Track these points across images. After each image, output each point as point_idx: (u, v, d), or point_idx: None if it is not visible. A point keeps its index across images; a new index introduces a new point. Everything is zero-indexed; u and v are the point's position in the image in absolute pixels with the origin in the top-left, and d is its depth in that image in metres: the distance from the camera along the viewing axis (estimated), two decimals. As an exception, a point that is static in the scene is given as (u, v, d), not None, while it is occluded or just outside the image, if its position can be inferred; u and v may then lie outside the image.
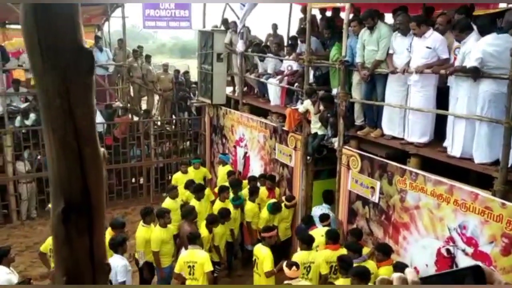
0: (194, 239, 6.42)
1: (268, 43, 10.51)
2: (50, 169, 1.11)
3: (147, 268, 7.08)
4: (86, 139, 1.09)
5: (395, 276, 0.81)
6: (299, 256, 6.25)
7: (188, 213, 7.10)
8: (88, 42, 12.46)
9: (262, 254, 6.38)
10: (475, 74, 5.19)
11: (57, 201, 1.11)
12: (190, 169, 9.72)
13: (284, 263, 5.79)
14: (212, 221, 7.23)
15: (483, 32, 5.38)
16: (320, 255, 6.31)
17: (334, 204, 7.55)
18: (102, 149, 1.16)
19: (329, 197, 7.72)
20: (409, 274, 0.80)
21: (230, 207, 7.90)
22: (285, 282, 5.68)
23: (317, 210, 7.68)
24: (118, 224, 6.79)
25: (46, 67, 1.05)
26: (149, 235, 6.90)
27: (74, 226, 1.11)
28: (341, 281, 5.51)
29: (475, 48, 5.26)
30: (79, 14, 1.06)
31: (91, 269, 1.17)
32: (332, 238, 6.41)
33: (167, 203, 8.05)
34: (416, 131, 6.19)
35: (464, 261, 5.39)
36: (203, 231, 7.20)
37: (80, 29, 1.07)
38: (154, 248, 6.83)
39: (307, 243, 6.36)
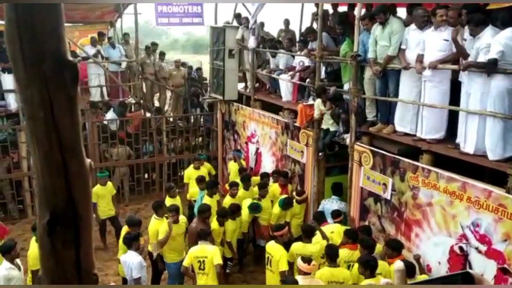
0: (204, 235, 6.44)
1: (280, 39, 10.46)
2: (36, 180, 1.11)
3: (161, 261, 7.14)
4: (71, 150, 1.09)
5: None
6: (294, 247, 6.37)
7: (203, 210, 7.10)
8: (99, 39, 12.55)
9: (277, 252, 6.28)
10: (494, 66, 5.08)
11: (42, 213, 1.11)
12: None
13: (299, 258, 5.75)
14: (222, 214, 7.24)
15: (505, 25, 5.27)
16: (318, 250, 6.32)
17: (343, 196, 7.57)
18: (88, 160, 1.16)
19: (338, 189, 7.74)
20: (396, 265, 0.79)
21: (244, 204, 7.90)
22: (298, 276, 5.66)
23: (327, 204, 7.67)
24: (135, 222, 6.83)
25: (29, 78, 1.05)
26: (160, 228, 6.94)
27: (59, 238, 1.11)
28: (366, 281, 5.44)
29: (496, 41, 5.15)
30: (63, 26, 1.05)
31: (77, 280, 1.17)
32: (352, 238, 6.30)
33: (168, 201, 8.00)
34: (431, 127, 6.11)
35: (477, 259, 5.33)
36: (214, 224, 7.23)
37: (64, 41, 1.07)
38: (160, 237, 6.84)
39: (306, 235, 6.44)
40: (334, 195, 7.75)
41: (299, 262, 5.60)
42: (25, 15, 1.02)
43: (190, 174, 9.44)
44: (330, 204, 7.59)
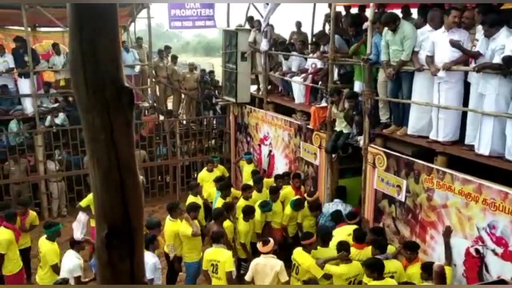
0: (218, 238, 6.48)
1: (292, 41, 10.50)
2: (94, 197, 1.17)
3: (178, 261, 7.21)
4: (127, 170, 1.16)
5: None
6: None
7: (219, 215, 7.16)
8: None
9: (306, 261, 6.09)
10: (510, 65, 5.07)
11: (100, 227, 1.18)
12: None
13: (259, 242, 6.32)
14: (228, 207, 7.45)
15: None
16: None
17: (348, 199, 7.65)
18: (141, 177, 1.22)
19: (341, 193, 7.79)
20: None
21: (257, 206, 7.95)
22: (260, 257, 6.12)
23: (332, 207, 7.65)
24: (154, 224, 6.83)
25: (91, 103, 1.12)
26: (177, 228, 7.02)
27: (116, 251, 1.18)
28: (373, 283, 5.45)
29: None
30: (120, 55, 1.12)
31: None
32: (359, 239, 6.36)
33: (190, 199, 8.19)
34: (446, 129, 6.08)
35: (493, 262, 5.31)
36: (225, 222, 7.31)
37: (121, 68, 1.13)
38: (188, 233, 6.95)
39: (323, 241, 6.42)
40: (337, 199, 7.76)
41: (259, 245, 6.20)
42: (88, 45, 1.08)
43: (203, 176, 9.50)
44: (335, 207, 7.56)
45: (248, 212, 7.50)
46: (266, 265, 6.08)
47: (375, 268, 5.40)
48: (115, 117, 1.12)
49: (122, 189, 1.16)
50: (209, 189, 9.15)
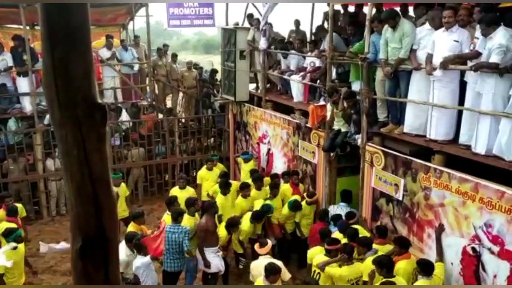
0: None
1: (291, 40, 10.49)
2: (70, 210, 1.20)
3: None
4: (100, 182, 1.19)
5: None
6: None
7: (210, 207, 7.21)
8: (114, 41, 12.70)
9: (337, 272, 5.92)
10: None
11: (75, 239, 1.21)
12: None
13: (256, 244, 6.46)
14: (232, 224, 7.30)
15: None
16: None
17: (352, 203, 7.56)
18: (115, 189, 1.24)
19: (347, 196, 7.73)
20: None
21: (256, 205, 7.97)
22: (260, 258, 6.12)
23: (335, 210, 7.61)
24: (138, 214, 7.18)
25: (64, 119, 1.14)
26: None
27: (90, 260, 1.20)
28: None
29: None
30: (93, 72, 1.13)
31: None
32: (380, 233, 6.54)
33: (175, 191, 8.45)
34: (439, 128, 6.10)
35: (490, 260, 5.33)
36: (222, 231, 7.33)
37: (95, 85, 1.15)
38: None
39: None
40: (342, 202, 7.73)
41: (255, 247, 6.33)
42: (60, 62, 1.09)
43: (203, 175, 9.53)
44: (339, 210, 7.53)
45: (258, 217, 7.53)
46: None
47: (382, 265, 5.44)
48: (87, 133, 1.15)
49: (96, 202, 1.18)
50: (210, 187, 9.21)
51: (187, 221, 7.12)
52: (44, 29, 1.10)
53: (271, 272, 5.60)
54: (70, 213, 1.21)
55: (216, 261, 7.05)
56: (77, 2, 1.10)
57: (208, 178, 9.42)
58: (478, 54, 5.60)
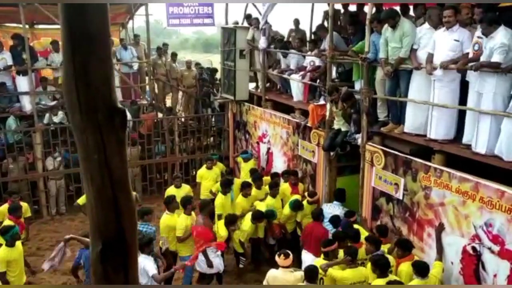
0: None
1: (290, 39, 10.49)
2: (89, 213, 1.20)
3: (170, 255, 7.24)
4: (120, 186, 1.19)
5: None
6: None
7: (205, 206, 7.19)
8: (114, 40, 12.69)
9: (331, 272, 5.85)
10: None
11: (95, 242, 1.22)
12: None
13: (277, 254, 6.11)
14: (231, 221, 7.32)
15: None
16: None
17: (350, 202, 7.56)
18: (134, 193, 1.24)
19: (341, 195, 7.70)
20: None
21: (259, 205, 7.99)
22: (279, 269, 5.91)
23: (328, 209, 7.58)
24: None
25: (84, 124, 1.15)
26: (172, 223, 7.11)
27: (111, 264, 1.21)
28: (378, 281, 5.45)
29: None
30: (113, 77, 1.14)
31: None
32: (382, 234, 6.49)
33: (171, 190, 8.40)
34: (441, 128, 6.11)
35: (490, 260, 5.34)
36: (222, 229, 7.33)
37: (114, 90, 1.16)
38: (179, 234, 7.02)
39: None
40: (336, 201, 7.71)
41: (277, 258, 5.98)
42: (81, 67, 1.10)
43: (202, 174, 9.56)
44: (332, 209, 7.52)
45: (259, 217, 7.53)
46: (288, 280, 5.88)
47: (377, 265, 5.44)
48: (107, 137, 1.16)
49: (116, 206, 1.19)
50: (209, 186, 9.21)
51: (184, 220, 7.09)
52: (65, 34, 1.11)
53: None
54: (89, 217, 1.22)
55: (216, 261, 7.06)
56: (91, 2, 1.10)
57: (207, 177, 9.45)
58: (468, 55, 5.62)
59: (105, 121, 1.15)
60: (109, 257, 1.20)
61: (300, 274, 5.94)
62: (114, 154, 1.18)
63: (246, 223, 7.54)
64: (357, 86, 7.58)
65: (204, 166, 9.71)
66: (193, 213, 7.37)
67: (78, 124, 1.15)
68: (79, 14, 1.07)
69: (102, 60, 1.11)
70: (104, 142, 1.17)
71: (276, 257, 6.04)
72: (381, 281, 5.37)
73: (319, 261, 6.03)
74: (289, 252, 6.08)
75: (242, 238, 7.57)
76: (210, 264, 6.92)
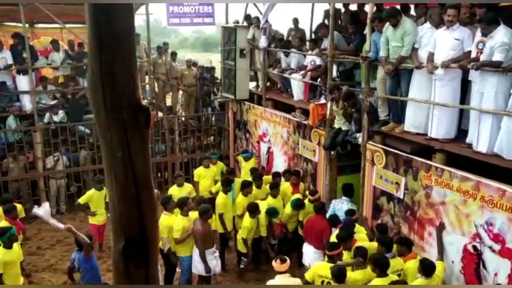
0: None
1: (290, 38, 10.49)
2: (111, 210, 1.21)
3: (173, 254, 7.22)
4: (143, 184, 1.21)
5: None
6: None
7: (204, 212, 7.08)
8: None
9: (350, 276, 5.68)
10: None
11: (118, 239, 1.23)
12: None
13: (274, 260, 6.02)
14: (253, 210, 7.50)
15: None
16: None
17: (354, 197, 7.57)
18: (155, 191, 1.26)
19: (349, 190, 7.69)
20: None
21: (261, 204, 8.00)
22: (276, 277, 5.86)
23: (338, 204, 7.62)
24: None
25: (110, 122, 1.15)
26: (171, 223, 7.08)
27: (133, 261, 1.22)
28: (376, 281, 5.45)
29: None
30: (137, 76, 1.15)
31: None
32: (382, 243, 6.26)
33: (173, 189, 8.42)
34: (442, 127, 6.12)
35: (491, 258, 5.36)
36: (246, 221, 7.47)
37: (139, 89, 1.17)
38: (177, 236, 7.00)
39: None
40: (344, 196, 7.71)
41: (273, 263, 5.92)
42: (107, 66, 1.11)
43: (200, 172, 9.59)
44: (341, 205, 7.55)
45: (254, 209, 7.55)
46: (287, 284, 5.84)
47: (376, 264, 5.43)
48: (132, 136, 1.17)
49: (139, 203, 1.20)
50: (207, 185, 9.21)
51: (181, 222, 7.06)
52: (92, 34, 1.13)
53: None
54: (111, 214, 1.22)
55: (213, 263, 7.08)
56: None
57: (205, 175, 9.48)
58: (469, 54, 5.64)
59: (129, 119, 1.16)
60: (131, 254, 1.22)
61: (298, 280, 5.93)
62: (138, 152, 1.19)
63: (246, 219, 7.55)
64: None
65: (202, 165, 9.72)
66: (190, 213, 7.34)
67: (103, 122, 1.16)
68: (106, 14, 1.08)
69: (127, 59, 1.13)
70: (128, 140, 1.18)
71: (273, 262, 6.01)
72: (381, 281, 5.37)
73: (325, 265, 5.89)
74: (286, 257, 6.01)
75: (245, 235, 7.58)
76: (208, 270, 6.95)
